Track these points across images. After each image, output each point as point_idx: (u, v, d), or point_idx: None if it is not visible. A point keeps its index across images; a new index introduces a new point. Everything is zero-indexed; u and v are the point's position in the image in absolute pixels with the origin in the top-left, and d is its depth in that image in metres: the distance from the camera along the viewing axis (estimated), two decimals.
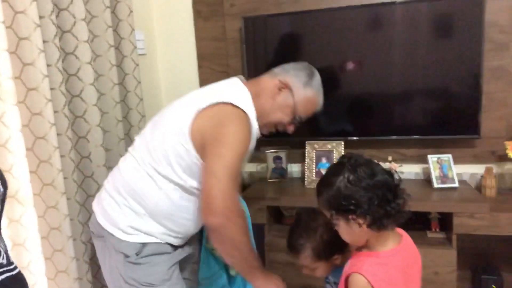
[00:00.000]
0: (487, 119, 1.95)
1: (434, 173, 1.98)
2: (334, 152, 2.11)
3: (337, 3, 2.02)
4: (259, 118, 1.27)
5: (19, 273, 0.85)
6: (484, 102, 1.92)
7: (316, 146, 2.13)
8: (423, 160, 2.06)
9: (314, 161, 2.13)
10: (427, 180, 2.05)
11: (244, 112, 1.19)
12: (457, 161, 2.01)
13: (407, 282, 1.02)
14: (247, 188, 2.17)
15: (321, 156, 2.13)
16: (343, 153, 2.09)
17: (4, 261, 0.81)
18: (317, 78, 1.35)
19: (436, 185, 1.96)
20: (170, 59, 2.36)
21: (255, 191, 2.12)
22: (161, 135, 1.22)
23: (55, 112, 1.40)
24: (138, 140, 1.30)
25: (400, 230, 1.08)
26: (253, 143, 1.26)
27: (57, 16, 1.48)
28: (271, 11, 2.10)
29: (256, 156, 2.29)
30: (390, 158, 2.06)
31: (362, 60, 2.02)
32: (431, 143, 2.05)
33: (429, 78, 1.96)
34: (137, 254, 1.24)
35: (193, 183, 1.21)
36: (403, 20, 1.94)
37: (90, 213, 1.61)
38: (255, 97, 1.28)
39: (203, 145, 1.17)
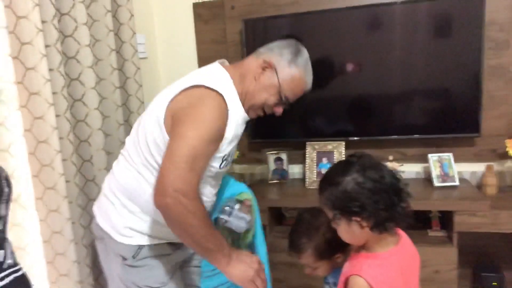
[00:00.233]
0: (487, 117, 1.96)
1: (435, 172, 1.99)
2: (335, 152, 2.11)
3: (336, 4, 2.03)
4: (244, 100, 1.24)
5: (25, 274, 0.86)
6: (484, 100, 1.92)
7: (316, 146, 2.14)
8: (424, 159, 2.07)
9: (315, 161, 2.14)
10: (428, 179, 2.06)
11: (219, 93, 1.14)
12: (457, 159, 2.01)
13: (406, 282, 1.02)
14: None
15: (321, 156, 2.14)
16: (343, 153, 2.10)
17: (12, 262, 0.83)
18: (304, 56, 1.28)
19: (436, 183, 1.97)
20: (171, 62, 2.37)
21: (256, 192, 2.09)
22: (143, 129, 1.21)
23: (57, 116, 1.42)
24: (127, 140, 1.30)
25: (398, 230, 1.06)
26: (237, 127, 1.22)
27: (59, 20, 1.49)
28: (271, 13, 2.12)
29: (257, 157, 2.30)
30: (391, 158, 2.07)
31: (362, 60, 2.03)
32: (432, 142, 2.06)
33: (429, 77, 1.97)
34: (133, 257, 1.24)
35: None
36: (403, 20, 1.95)
37: (91, 216, 1.60)
38: (240, 79, 1.24)
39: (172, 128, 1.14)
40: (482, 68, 1.89)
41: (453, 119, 1.97)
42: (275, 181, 2.22)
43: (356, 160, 1.00)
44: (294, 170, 2.30)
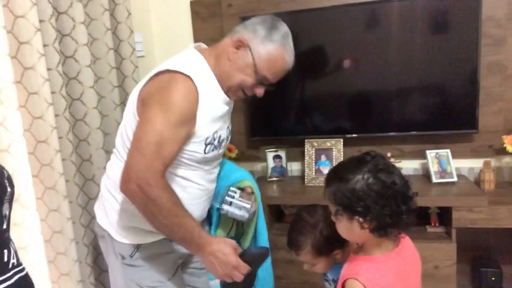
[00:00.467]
0: (484, 113, 1.97)
1: (433, 168, 2.00)
2: (334, 149, 2.12)
3: (334, 2, 2.03)
4: (221, 82, 1.20)
5: (27, 274, 0.86)
6: (481, 96, 1.94)
7: (315, 144, 2.15)
8: (422, 155, 2.08)
9: (313, 159, 2.14)
10: (426, 176, 2.07)
11: (186, 75, 1.10)
12: (455, 155, 2.03)
13: (406, 285, 1.00)
14: None
15: (320, 154, 2.14)
16: (342, 151, 2.11)
17: (15, 261, 0.83)
18: (281, 30, 1.19)
19: (434, 180, 1.98)
20: None
21: None
22: (123, 122, 1.21)
23: (56, 115, 1.41)
24: (116, 138, 1.29)
25: (400, 234, 1.03)
26: (214, 109, 1.18)
27: (56, 19, 1.49)
28: (269, 11, 2.11)
29: (256, 155, 2.31)
30: (389, 155, 2.08)
31: (360, 57, 2.04)
32: (429, 139, 2.07)
33: (427, 74, 1.97)
34: (131, 256, 1.23)
35: None
36: (400, 17, 1.96)
37: (92, 216, 1.62)
38: (216, 61, 1.20)
39: None
40: (479, 65, 1.90)
41: (451, 115, 1.98)
42: (274, 179, 2.22)
43: (370, 159, 0.97)
44: (293, 167, 2.30)
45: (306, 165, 2.15)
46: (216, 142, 1.22)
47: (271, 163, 2.23)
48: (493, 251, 2.08)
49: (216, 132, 1.21)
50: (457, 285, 1.87)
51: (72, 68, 1.58)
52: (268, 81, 1.21)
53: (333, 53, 2.06)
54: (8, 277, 0.79)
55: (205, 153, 1.19)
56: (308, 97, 2.15)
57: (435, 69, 1.96)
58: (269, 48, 1.17)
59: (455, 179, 1.97)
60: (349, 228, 0.99)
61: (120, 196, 1.23)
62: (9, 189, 0.82)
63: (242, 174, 1.44)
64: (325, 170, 2.13)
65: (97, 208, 1.32)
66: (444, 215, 1.95)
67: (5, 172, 0.83)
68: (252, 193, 1.39)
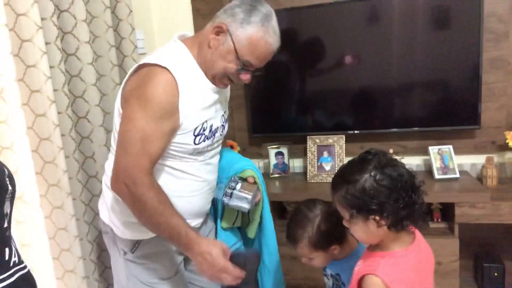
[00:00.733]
0: (487, 109, 1.97)
1: (435, 164, 2.00)
2: (336, 146, 2.12)
3: None
4: (206, 71, 1.17)
5: (29, 272, 0.87)
6: (483, 92, 1.93)
7: (317, 140, 2.15)
8: (424, 151, 2.08)
9: (315, 155, 2.15)
10: (428, 172, 2.07)
11: (163, 67, 1.08)
12: (457, 152, 2.02)
13: (422, 281, 1.00)
14: None
15: (322, 150, 2.14)
16: (344, 147, 2.11)
17: (16, 260, 0.83)
18: (261, 11, 1.12)
19: (437, 176, 1.98)
20: None
21: None
22: (113, 119, 1.21)
23: (58, 113, 1.41)
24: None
25: (412, 228, 1.04)
26: (200, 98, 1.16)
27: (58, 17, 1.49)
28: None
29: (258, 152, 2.31)
30: (391, 151, 2.07)
31: (361, 53, 2.03)
32: (432, 135, 2.07)
33: (428, 70, 1.97)
34: (132, 252, 1.24)
35: None
36: (401, 13, 1.95)
37: (95, 212, 1.62)
38: (198, 49, 1.17)
39: None
40: (481, 60, 1.89)
41: (453, 111, 1.98)
42: (276, 175, 2.22)
43: (372, 157, 0.97)
44: (295, 164, 2.30)
45: (308, 162, 2.15)
46: (207, 132, 1.20)
47: (273, 159, 2.23)
48: (495, 246, 2.08)
49: (205, 121, 1.18)
50: (460, 280, 1.87)
51: (74, 65, 1.58)
52: (253, 66, 1.16)
53: (334, 49, 2.06)
54: (9, 275, 0.79)
55: (195, 144, 1.17)
56: (310, 93, 2.15)
57: (437, 65, 1.95)
58: (249, 31, 1.11)
59: (457, 175, 1.97)
60: (365, 230, 0.98)
61: None
62: (10, 188, 0.82)
63: (244, 164, 1.41)
64: (327, 167, 2.13)
65: (100, 205, 1.33)
66: (447, 211, 1.95)
67: (6, 170, 0.83)
68: (255, 183, 1.37)
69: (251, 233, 1.46)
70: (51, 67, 1.39)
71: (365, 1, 1.98)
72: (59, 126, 1.40)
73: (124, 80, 1.17)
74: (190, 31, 2.29)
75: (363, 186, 0.94)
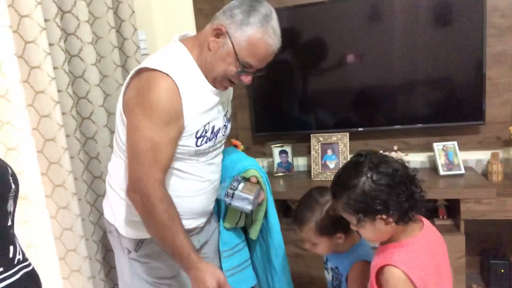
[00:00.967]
0: (491, 105, 1.96)
1: (440, 161, 1.99)
2: (340, 144, 2.12)
3: None
4: (206, 73, 1.16)
5: (34, 270, 0.87)
6: (487, 88, 1.92)
7: (321, 138, 2.14)
8: (429, 148, 2.07)
9: (320, 153, 2.14)
10: (433, 168, 2.06)
11: (164, 73, 1.07)
12: (462, 148, 2.02)
13: (436, 264, 1.02)
14: None
15: (326, 148, 2.14)
16: (348, 145, 2.10)
17: (21, 257, 0.84)
18: (260, 12, 1.11)
19: (442, 172, 1.97)
20: None
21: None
22: (116, 119, 1.22)
23: (63, 114, 1.42)
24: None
25: (420, 217, 1.06)
26: (202, 101, 1.15)
27: (61, 19, 1.49)
28: (272, 6, 2.11)
29: (262, 151, 2.31)
30: (395, 148, 2.07)
31: (365, 51, 2.03)
32: (436, 131, 2.06)
33: (432, 66, 1.96)
34: (135, 250, 1.25)
35: None
36: (404, 9, 1.95)
37: (100, 212, 1.63)
38: (199, 51, 1.16)
39: None
40: (484, 55, 1.89)
41: (457, 107, 1.97)
42: (280, 174, 2.22)
43: (363, 159, 0.99)
44: (299, 162, 2.30)
45: (312, 160, 2.15)
46: (209, 134, 1.20)
47: (277, 158, 2.23)
48: (502, 243, 2.07)
49: (207, 124, 1.19)
50: (466, 277, 1.87)
51: (77, 66, 1.58)
52: (253, 67, 1.15)
53: (337, 47, 2.06)
54: (13, 272, 0.80)
55: (197, 146, 1.18)
56: (313, 91, 2.15)
57: (441, 61, 1.95)
58: (248, 33, 1.10)
59: (462, 171, 1.96)
60: (375, 230, 1.00)
61: (121, 192, 1.24)
62: (13, 186, 0.83)
63: (247, 163, 1.41)
64: (332, 165, 2.13)
65: (104, 204, 1.35)
66: (452, 207, 1.94)
67: (9, 168, 0.84)
68: (258, 183, 1.36)
69: (254, 234, 1.46)
70: (55, 68, 1.39)
71: None
72: (64, 126, 1.41)
73: (125, 83, 1.17)
74: (192, 31, 2.30)
75: (363, 189, 0.96)
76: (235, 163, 1.41)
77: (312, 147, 2.15)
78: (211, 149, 1.25)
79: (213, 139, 1.23)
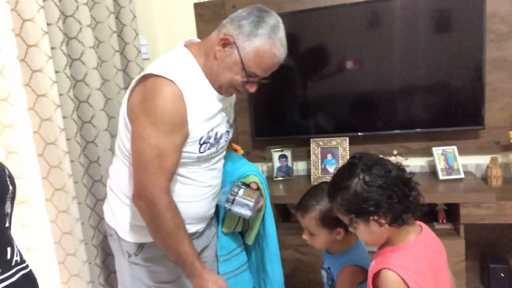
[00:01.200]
0: (490, 109, 1.97)
1: (439, 165, 2.00)
2: (339, 148, 2.12)
3: (336, 1, 2.03)
4: (211, 80, 1.17)
5: (31, 271, 0.87)
6: (487, 93, 1.93)
7: (321, 143, 2.15)
8: (428, 153, 2.07)
9: (319, 158, 2.15)
10: (433, 173, 2.06)
11: (169, 80, 1.07)
12: (462, 152, 2.02)
13: (434, 270, 1.02)
14: None
15: (326, 152, 2.14)
16: (348, 149, 2.11)
17: (18, 259, 0.83)
18: (268, 23, 1.11)
19: (441, 177, 1.97)
20: None
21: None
22: (118, 123, 1.22)
23: (64, 117, 1.42)
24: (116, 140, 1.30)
25: (418, 222, 1.06)
26: (206, 108, 1.16)
27: (63, 23, 1.50)
28: None
29: (261, 155, 2.31)
30: (395, 152, 2.07)
31: (364, 56, 2.04)
32: (436, 136, 2.07)
33: (432, 71, 1.97)
34: (136, 254, 1.25)
35: None
36: (404, 15, 1.96)
37: (100, 217, 1.63)
38: (205, 58, 1.16)
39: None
40: (484, 61, 1.90)
41: (457, 112, 1.98)
42: (280, 178, 2.23)
43: (358, 160, 1.00)
44: (299, 167, 2.30)
45: (312, 164, 2.15)
46: (212, 140, 1.21)
47: (276, 162, 2.23)
48: (501, 247, 2.07)
49: (211, 130, 1.19)
50: (466, 281, 1.86)
51: (79, 70, 1.59)
52: (258, 77, 1.17)
53: (337, 53, 2.07)
54: (11, 274, 0.80)
55: (200, 152, 1.19)
56: (313, 96, 2.16)
57: (440, 66, 1.96)
58: (255, 44, 1.10)
59: (462, 175, 1.96)
60: (368, 231, 1.00)
61: (122, 195, 1.25)
62: (10, 188, 0.83)
63: (248, 169, 1.41)
64: (331, 169, 2.13)
65: (105, 208, 1.35)
66: (452, 211, 1.94)
67: (6, 170, 0.84)
68: (258, 189, 1.36)
69: (250, 240, 1.46)
70: (56, 71, 1.40)
71: (367, 4, 1.98)
72: (65, 130, 1.41)
73: (129, 89, 1.17)
74: (193, 37, 2.30)
75: (355, 190, 0.97)
76: (235, 169, 1.42)
77: (311, 152, 2.16)
78: (213, 155, 1.26)
79: (216, 145, 1.24)
